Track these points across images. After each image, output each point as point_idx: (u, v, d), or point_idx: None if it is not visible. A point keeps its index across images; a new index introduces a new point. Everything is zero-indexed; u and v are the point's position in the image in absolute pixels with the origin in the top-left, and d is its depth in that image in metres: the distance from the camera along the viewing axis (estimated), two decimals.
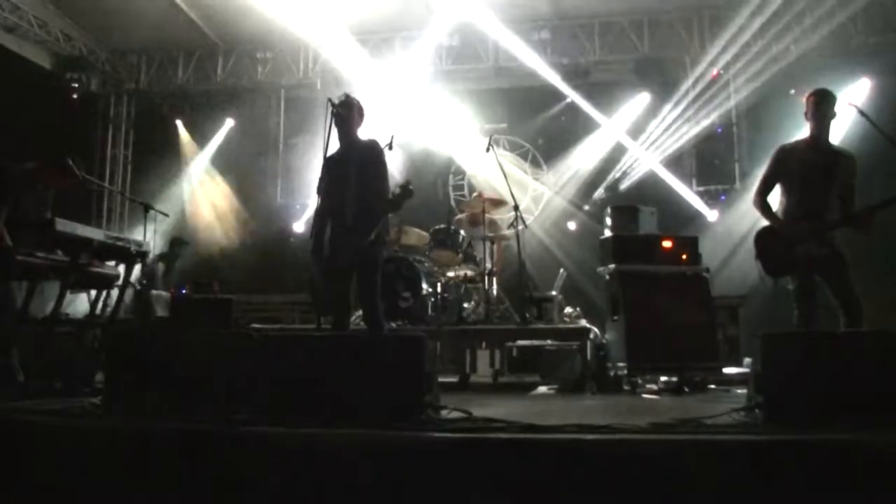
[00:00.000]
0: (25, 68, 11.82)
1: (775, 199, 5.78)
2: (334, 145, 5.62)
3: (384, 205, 5.55)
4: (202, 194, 13.50)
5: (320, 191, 5.53)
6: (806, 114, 5.64)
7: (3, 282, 5.47)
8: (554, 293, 8.66)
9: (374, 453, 3.16)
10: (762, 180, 5.76)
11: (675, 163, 12.25)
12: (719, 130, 12.11)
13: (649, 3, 11.37)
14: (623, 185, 12.31)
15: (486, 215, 8.39)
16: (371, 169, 5.57)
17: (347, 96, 5.75)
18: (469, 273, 8.34)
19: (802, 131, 5.75)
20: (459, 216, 9.00)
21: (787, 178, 5.63)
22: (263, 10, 11.56)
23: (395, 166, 10.74)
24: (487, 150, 8.21)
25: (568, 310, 8.42)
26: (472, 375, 8.42)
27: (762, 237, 5.71)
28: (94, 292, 6.07)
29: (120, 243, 5.74)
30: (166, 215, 7.84)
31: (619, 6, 11.85)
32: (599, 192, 12.35)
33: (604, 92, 12.30)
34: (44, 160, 5.92)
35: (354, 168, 5.52)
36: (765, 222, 5.72)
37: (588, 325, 7.45)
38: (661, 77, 12.20)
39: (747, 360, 7.02)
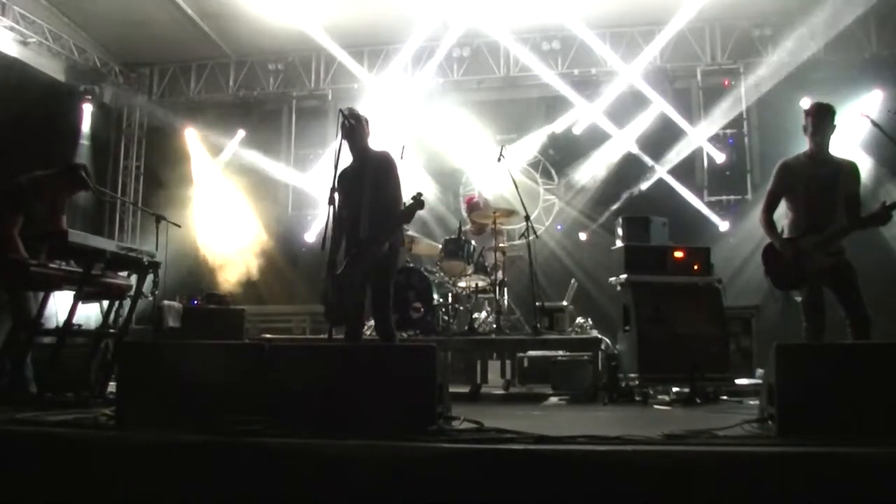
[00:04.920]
0: (40, 80, 11.89)
1: (781, 211, 5.80)
2: (346, 157, 5.65)
3: (397, 216, 5.59)
4: (214, 205, 13.53)
5: (332, 201, 5.56)
6: (805, 128, 5.66)
7: (18, 292, 5.52)
8: (565, 303, 8.66)
9: (386, 464, 3.16)
10: (767, 197, 5.84)
11: (686, 173, 12.22)
12: (731, 142, 12.08)
13: (660, 14, 11.36)
14: (635, 197, 12.24)
15: (497, 225, 8.41)
16: (384, 181, 5.60)
17: (353, 109, 5.78)
18: (480, 283, 8.33)
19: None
20: (467, 226, 9.00)
21: (791, 193, 5.68)
22: (275, 22, 11.64)
23: (407, 177, 10.78)
24: (499, 160, 8.22)
25: (579, 320, 8.40)
26: (484, 386, 8.41)
27: (769, 252, 5.72)
28: (106, 303, 6.10)
29: (132, 254, 5.76)
30: (178, 226, 7.85)
31: (630, 17, 11.85)
32: (613, 207, 12.28)
33: (615, 102, 12.26)
34: (55, 169, 5.96)
35: (369, 181, 5.55)
36: None
37: (599, 336, 7.44)
38: (672, 87, 12.21)
39: (760, 371, 6.99)
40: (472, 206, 9.36)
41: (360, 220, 5.49)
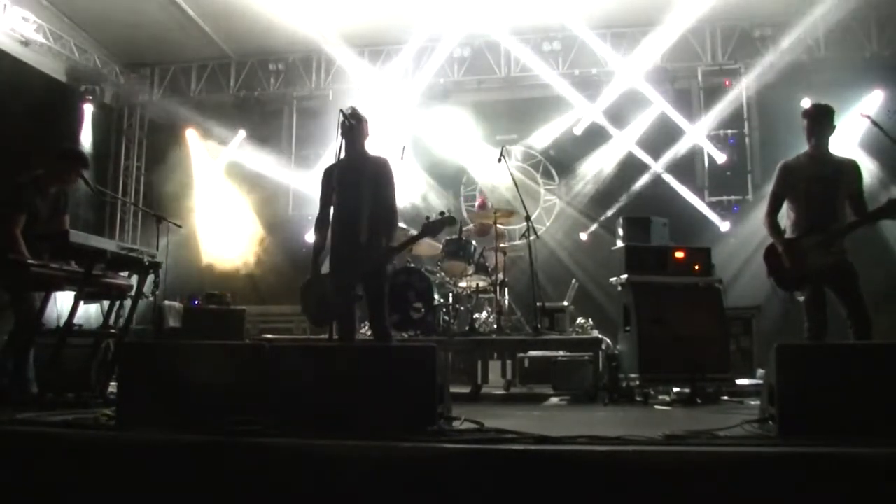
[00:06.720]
0: (41, 80, 11.89)
1: (782, 211, 5.82)
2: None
3: (422, 228, 5.80)
4: (214, 205, 13.53)
5: (328, 200, 5.59)
6: (804, 129, 5.67)
7: (19, 293, 5.52)
8: (566, 304, 8.66)
9: (386, 464, 3.15)
10: (770, 199, 5.87)
11: (686, 174, 12.22)
12: (732, 142, 12.07)
13: (660, 15, 11.36)
14: (636, 197, 12.21)
15: (498, 225, 8.42)
16: (385, 188, 5.62)
17: (355, 109, 5.77)
18: (481, 283, 8.34)
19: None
20: (469, 226, 9.00)
21: (792, 193, 5.70)
22: (276, 22, 11.64)
23: (408, 177, 10.77)
24: (499, 160, 8.22)
25: (580, 320, 8.40)
26: (484, 386, 8.41)
27: (771, 253, 5.73)
28: (107, 303, 6.10)
29: (133, 254, 5.76)
30: (179, 226, 7.87)
31: (631, 17, 11.85)
32: (614, 207, 12.25)
33: (616, 102, 12.25)
34: (50, 164, 5.95)
35: (369, 185, 5.54)
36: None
37: (600, 336, 7.44)
38: (672, 87, 12.21)
39: (760, 371, 7.00)
40: (482, 207, 9.40)
41: (358, 223, 5.47)
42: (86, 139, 12.92)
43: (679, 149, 12.07)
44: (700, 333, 6.70)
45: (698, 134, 12.04)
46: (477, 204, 10.06)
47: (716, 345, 6.75)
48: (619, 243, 7.57)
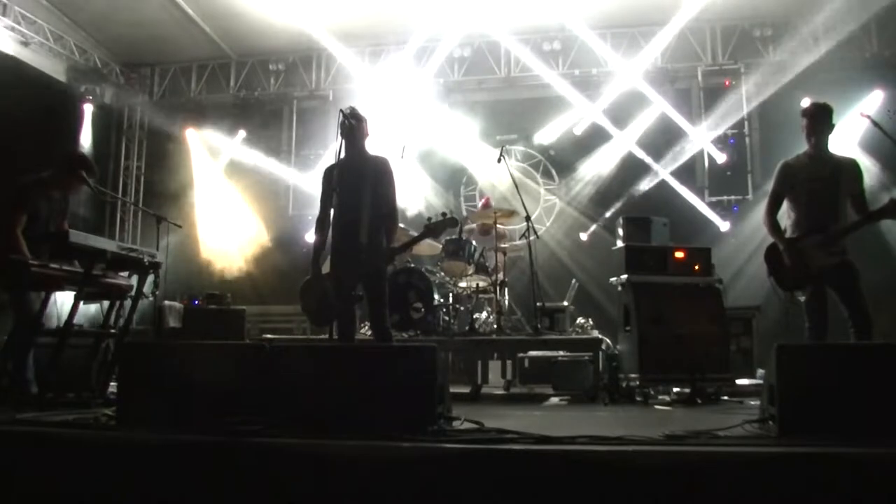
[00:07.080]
0: (40, 81, 11.89)
1: (783, 210, 5.81)
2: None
3: (423, 230, 5.86)
4: (214, 205, 13.53)
5: (328, 199, 5.59)
6: (803, 128, 5.66)
7: (20, 292, 5.52)
8: (566, 304, 8.65)
9: (386, 464, 3.16)
10: (769, 198, 5.85)
11: (687, 174, 12.21)
12: (732, 142, 12.06)
13: (661, 14, 11.36)
14: (636, 197, 12.20)
15: (498, 226, 8.41)
16: (386, 188, 5.63)
17: (355, 109, 5.77)
18: (481, 283, 8.33)
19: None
20: (470, 226, 8.99)
21: (792, 192, 5.69)
22: (276, 22, 11.65)
23: (408, 177, 10.77)
24: (499, 160, 8.23)
25: (580, 320, 8.40)
26: (484, 386, 8.41)
27: (772, 253, 5.73)
28: (107, 303, 6.09)
29: (133, 254, 5.74)
30: (179, 226, 7.88)
31: (631, 17, 11.85)
32: (614, 207, 12.24)
33: (616, 102, 12.26)
34: (57, 168, 5.95)
35: (368, 184, 5.54)
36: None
37: (600, 336, 7.44)
38: (672, 87, 12.21)
39: (761, 371, 7.00)
40: (486, 207, 9.41)
41: (359, 223, 5.47)
42: (86, 139, 12.92)
43: (679, 149, 12.05)
44: (700, 333, 6.70)
45: (698, 134, 12.03)
46: (481, 204, 10.07)
47: (716, 345, 6.74)
48: (619, 243, 7.56)
